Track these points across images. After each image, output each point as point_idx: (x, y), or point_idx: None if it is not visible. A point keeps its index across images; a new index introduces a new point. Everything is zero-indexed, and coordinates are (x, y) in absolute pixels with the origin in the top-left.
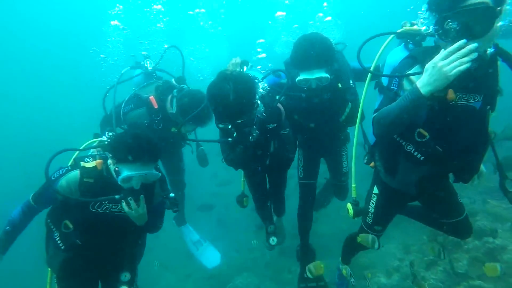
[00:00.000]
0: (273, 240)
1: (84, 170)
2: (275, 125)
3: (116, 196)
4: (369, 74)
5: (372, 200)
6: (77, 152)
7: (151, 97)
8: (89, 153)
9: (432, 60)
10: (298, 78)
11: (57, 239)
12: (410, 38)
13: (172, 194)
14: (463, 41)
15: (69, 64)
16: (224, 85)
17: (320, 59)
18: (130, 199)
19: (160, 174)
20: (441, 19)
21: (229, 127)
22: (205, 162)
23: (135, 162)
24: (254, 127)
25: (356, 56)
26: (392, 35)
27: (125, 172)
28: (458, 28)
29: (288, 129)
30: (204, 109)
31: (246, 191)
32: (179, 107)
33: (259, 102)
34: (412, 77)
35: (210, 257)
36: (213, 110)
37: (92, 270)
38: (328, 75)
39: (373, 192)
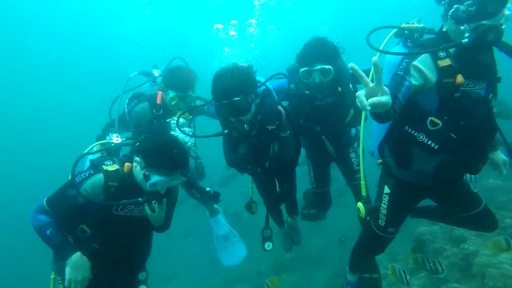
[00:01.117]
0: (268, 245)
1: (108, 173)
2: (274, 126)
3: (140, 199)
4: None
5: (383, 201)
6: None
7: (159, 92)
8: (96, 156)
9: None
10: (301, 70)
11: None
12: (409, 34)
13: (208, 188)
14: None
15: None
16: (226, 68)
17: (323, 53)
18: (155, 203)
19: (185, 179)
20: (454, 2)
21: (225, 102)
22: (203, 175)
23: (168, 171)
24: (252, 120)
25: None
26: (394, 30)
27: (155, 178)
28: (475, 8)
29: (288, 131)
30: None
31: (254, 197)
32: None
33: (257, 99)
34: (420, 66)
35: (231, 254)
36: (212, 90)
37: (108, 272)
38: (331, 67)
39: (384, 192)
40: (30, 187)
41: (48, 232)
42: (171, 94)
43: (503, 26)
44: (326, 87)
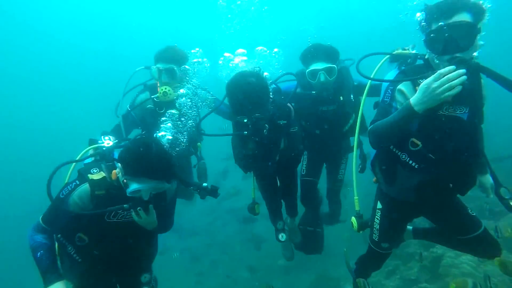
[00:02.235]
0: (282, 236)
1: (93, 182)
2: (285, 121)
3: (125, 206)
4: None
5: (376, 216)
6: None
7: (158, 82)
8: (89, 160)
9: (425, 81)
10: (307, 70)
11: (72, 252)
12: (402, 60)
13: (205, 184)
14: (452, 66)
15: None
16: (245, 78)
17: (327, 53)
18: (139, 210)
19: (171, 185)
20: (430, 34)
21: (245, 120)
22: (204, 177)
23: (146, 179)
24: (266, 125)
25: (357, 71)
26: (387, 56)
27: (133, 186)
28: (445, 41)
29: (296, 127)
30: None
31: (257, 199)
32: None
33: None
34: (404, 90)
35: None
36: (232, 103)
37: (111, 277)
38: (335, 66)
39: (377, 207)
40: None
41: (38, 254)
42: (157, 65)
43: (475, 55)
44: (331, 88)
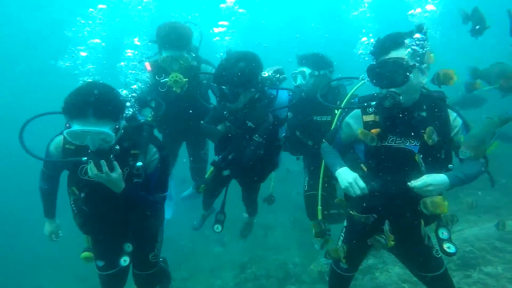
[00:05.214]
0: (217, 227)
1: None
2: (253, 126)
3: (83, 158)
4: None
5: (341, 233)
6: None
7: (146, 63)
8: None
9: (352, 176)
10: (292, 73)
11: (71, 202)
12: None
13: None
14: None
15: None
16: (238, 55)
17: (313, 60)
18: (90, 162)
19: (112, 134)
20: (371, 68)
21: (225, 88)
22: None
23: (83, 117)
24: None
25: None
26: (362, 82)
27: (73, 127)
28: (377, 77)
29: (261, 140)
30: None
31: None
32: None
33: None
34: (351, 123)
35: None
36: (219, 74)
37: (107, 236)
38: (316, 71)
39: (343, 225)
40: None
41: (40, 196)
42: (164, 54)
43: (400, 99)
44: (316, 86)
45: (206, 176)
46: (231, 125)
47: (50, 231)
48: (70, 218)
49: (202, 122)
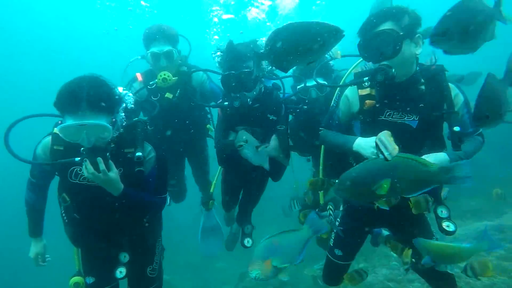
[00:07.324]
0: (248, 241)
1: (54, 136)
2: (275, 118)
3: (76, 159)
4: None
5: (337, 219)
6: None
7: (137, 74)
8: None
9: (373, 140)
10: (299, 86)
11: (62, 212)
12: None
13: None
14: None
15: None
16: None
17: (319, 70)
18: (85, 161)
19: (109, 127)
20: (361, 43)
21: (233, 73)
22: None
23: (77, 110)
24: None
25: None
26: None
27: (66, 122)
28: (367, 50)
29: (284, 126)
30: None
31: (215, 195)
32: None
33: (261, 84)
34: (349, 96)
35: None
36: (223, 61)
37: (101, 245)
38: (325, 82)
39: (340, 209)
40: None
41: (26, 209)
42: (151, 50)
43: (393, 73)
44: (323, 102)
45: (211, 190)
46: (247, 127)
47: (35, 253)
48: (58, 237)
49: (215, 146)
